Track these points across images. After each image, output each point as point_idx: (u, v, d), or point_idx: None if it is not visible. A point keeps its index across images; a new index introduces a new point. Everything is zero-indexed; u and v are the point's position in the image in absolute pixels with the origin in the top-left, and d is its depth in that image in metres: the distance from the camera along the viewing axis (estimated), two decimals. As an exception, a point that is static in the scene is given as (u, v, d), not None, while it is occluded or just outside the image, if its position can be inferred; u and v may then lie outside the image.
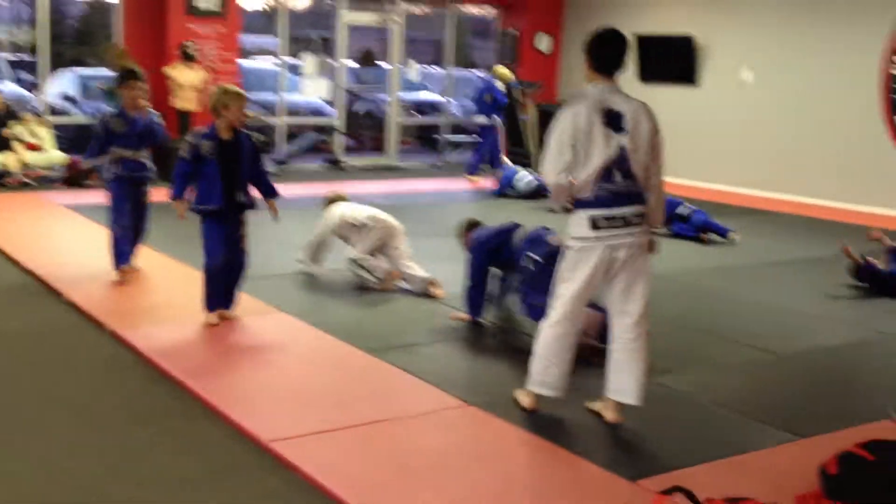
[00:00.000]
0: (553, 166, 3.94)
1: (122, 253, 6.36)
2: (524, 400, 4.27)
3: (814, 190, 11.46)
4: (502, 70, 12.87)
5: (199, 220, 5.36)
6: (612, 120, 3.93)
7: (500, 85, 12.68)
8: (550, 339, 4.09)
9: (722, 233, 8.82)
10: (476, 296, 5.61)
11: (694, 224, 8.81)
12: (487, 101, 12.64)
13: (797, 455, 3.91)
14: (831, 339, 5.78)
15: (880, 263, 7.05)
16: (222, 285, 5.43)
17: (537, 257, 5.28)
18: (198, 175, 5.26)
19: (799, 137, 11.71)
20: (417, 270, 6.44)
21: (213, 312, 5.43)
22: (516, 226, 5.77)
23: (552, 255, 4.95)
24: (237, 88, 5.37)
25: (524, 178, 11.38)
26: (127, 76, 6.23)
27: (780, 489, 3.45)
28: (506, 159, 12.48)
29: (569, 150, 3.89)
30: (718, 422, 4.33)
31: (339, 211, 6.74)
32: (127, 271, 6.36)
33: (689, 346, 5.48)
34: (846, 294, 6.97)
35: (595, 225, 3.93)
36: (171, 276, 6.62)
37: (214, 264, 5.34)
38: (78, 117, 12.85)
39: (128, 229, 6.35)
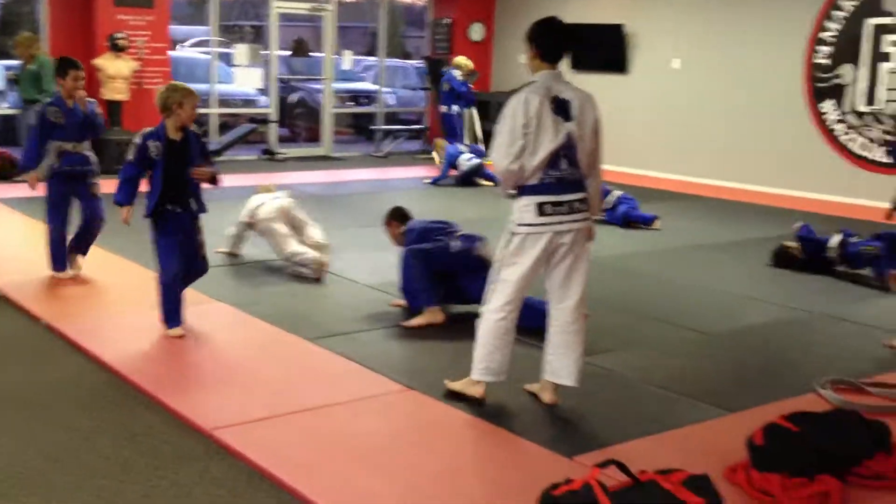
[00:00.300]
0: (504, 153, 3.98)
1: (58, 257, 6.16)
2: (473, 390, 4.24)
3: (742, 175, 11.78)
4: (460, 59, 12.85)
5: (150, 227, 5.05)
6: (560, 108, 4.01)
7: (457, 74, 12.70)
8: (493, 325, 4.13)
9: (647, 221, 9.02)
10: (413, 288, 5.60)
11: (618, 216, 9.01)
12: (445, 89, 12.70)
13: (727, 429, 4.06)
14: (757, 317, 5.98)
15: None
16: (180, 297, 5.09)
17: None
18: (144, 178, 4.98)
19: (726, 124, 12.01)
20: (311, 251, 6.52)
21: (175, 328, 5.07)
22: (447, 226, 5.84)
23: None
24: (187, 85, 5.11)
25: (468, 158, 11.49)
26: (66, 65, 5.99)
27: (711, 461, 3.59)
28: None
29: (520, 137, 3.96)
30: (652, 399, 4.47)
31: (254, 207, 6.79)
32: (62, 279, 6.15)
33: (623, 328, 5.62)
34: (772, 275, 7.21)
35: (542, 211, 4.02)
36: (108, 269, 6.55)
37: (171, 275, 5.01)
38: (2, 109, 12.55)
39: (64, 231, 6.13)
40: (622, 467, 3.13)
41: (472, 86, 12.85)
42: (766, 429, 3.60)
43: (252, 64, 14.18)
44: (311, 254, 6.49)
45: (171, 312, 5.06)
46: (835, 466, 3.48)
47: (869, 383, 4.65)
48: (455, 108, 12.66)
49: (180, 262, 5.02)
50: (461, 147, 11.79)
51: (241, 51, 14.13)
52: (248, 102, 14.80)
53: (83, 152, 6.10)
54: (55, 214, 6.10)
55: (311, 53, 17.52)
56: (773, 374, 4.96)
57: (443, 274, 5.55)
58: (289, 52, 17.15)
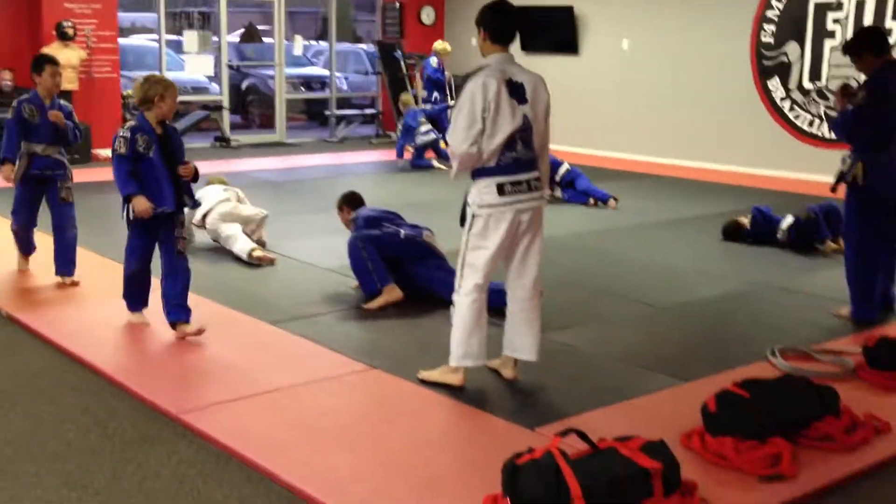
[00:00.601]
0: (463, 136, 4.02)
1: (28, 242, 6.03)
2: (451, 378, 4.24)
3: (692, 153, 11.97)
4: (437, 45, 12.77)
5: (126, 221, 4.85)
6: (515, 90, 4.08)
7: (434, 61, 12.66)
8: (466, 310, 4.17)
9: (604, 199, 9.18)
10: (365, 273, 5.60)
11: (579, 192, 9.19)
12: (425, 79, 12.72)
13: (681, 397, 4.19)
14: (709, 291, 6.14)
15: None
16: (143, 287, 5.04)
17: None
18: (136, 175, 4.73)
19: (676, 102, 12.19)
20: (249, 246, 6.59)
21: (136, 312, 5.07)
22: (393, 217, 5.93)
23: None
24: (167, 77, 4.93)
25: (425, 130, 11.52)
26: (41, 61, 5.66)
27: (667, 428, 3.70)
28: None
29: (479, 120, 4.00)
30: (608, 371, 4.59)
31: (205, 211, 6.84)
32: (24, 267, 6.08)
33: (579, 304, 5.74)
34: (721, 250, 7.38)
35: (503, 191, 4.09)
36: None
37: (130, 272, 4.95)
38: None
39: (29, 228, 5.98)
40: (582, 435, 3.23)
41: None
42: (719, 396, 3.73)
43: (202, 51, 14.07)
44: (252, 251, 6.54)
45: (130, 299, 5.07)
46: (785, 429, 3.63)
47: (817, 351, 4.81)
48: (435, 94, 12.62)
49: (141, 262, 4.93)
50: (421, 118, 11.76)
51: (190, 38, 14.00)
52: (199, 90, 14.68)
53: (54, 156, 5.77)
54: (20, 213, 5.91)
55: (261, 39, 17.42)
56: (725, 344, 5.10)
57: (391, 261, 5.61)
58: (239, 39, 17.03)
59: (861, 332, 5.15)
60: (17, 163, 5.73)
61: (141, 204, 4.69)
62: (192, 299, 4.96)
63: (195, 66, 14.28)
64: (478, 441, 3.76)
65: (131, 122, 4.80)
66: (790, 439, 3.60)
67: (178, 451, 3.63)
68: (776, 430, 3.59)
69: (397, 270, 5.62)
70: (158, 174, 4.73)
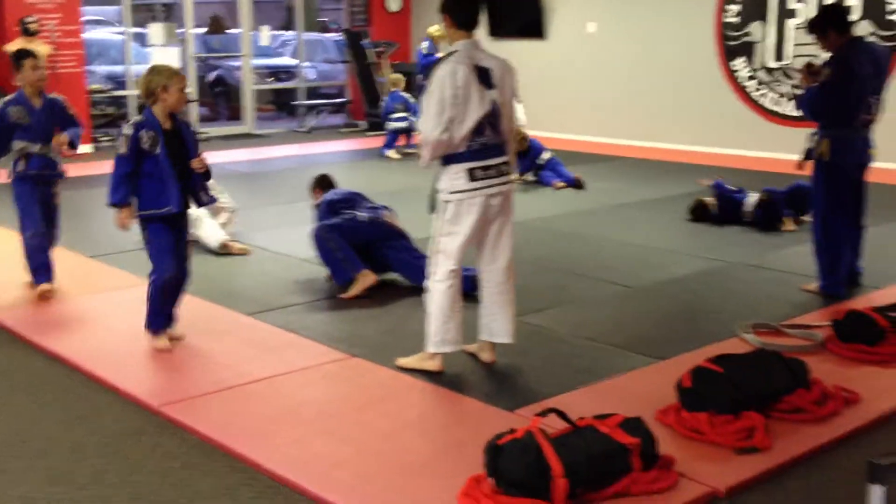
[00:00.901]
0: (434, 123, 4.05)
1: (42, 266, 5.49)
2: (429, 364, 4.28)
3: (660, 134, 12.09)
4: (430, 29, 12.65)
5: (139, 226, 4.56)
6: (483, 76, 4.12)
7: (424, 46, 12.63)
8: (442, 296, 4.21)
9: (570, 182, 9.30)
10: (335, 263, 5.63)
11: (548, 176, 9.33)
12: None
13: (656, 375, 4.27)
14: (680, 270, 6.23)
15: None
16: (170, 302, 4.67)
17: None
18: (139, 174, 4.43)
19: (643, 85, 12.27)
20: (216, 235, 6.61)
21: (161, 334, 4.65)
22: (356, 198, 5.98)
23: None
24: (170, 66, 4.61)
25: (397, 117, 11.55)
26: (20, 56, 5.39)
27: (644, 405, 3.78)
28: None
29: (450, 107, 4.04)
30: (584, 352, 4.66)
31: None
32: (48, 292, 5.46)
33: (553, 287, 5.81)
34: (691, 229, 7.48)
35: (473, 176, 4.14)
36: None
37: (167, 276, 4.53)
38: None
39: (43, 236, 5.50)
40: (561, 415, 3.30)
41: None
42: (694, 372, 3.80)
43: (168, 43, 13.95)
44: (223, 242, 6.56)
45: (159, 316, 4.64)
46: (758, 403, 3.71)
47: (788, 326, 4.91)
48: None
49: (176, 262, 4.56)
50: (396, 105, 11.77)
51: (155, 30, 13.88)
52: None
53: (50, 155, 5.47)
54: (29, 221, 5.45)
55: (227, 30, 17.30)
56: (698, 322, 5.19)
57: (362, 245, 5.65)
58: (205, 30, 16.90)
59: (829, 306, 5.25)
60: (12, 164, 5.44)
61: (119, 218, 4.46)
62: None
63: (161, 59, 14.15)
64: (458, 424, 3.82)
65: (136, 118, 4.51)
66: (763, 412, 3.69)
67: (162, 444, 3.66)
68: (749, 404, 3.68)
69: (364, 254, 5.67)
70: (163, 173, 4.42)
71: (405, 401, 4.07)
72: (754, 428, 3.55)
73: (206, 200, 4.70)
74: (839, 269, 5.51)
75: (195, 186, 4.59)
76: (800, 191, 7.20)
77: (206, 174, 4.64)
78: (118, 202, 4.44)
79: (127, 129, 4.44)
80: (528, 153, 9.36)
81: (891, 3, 10.16)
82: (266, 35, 15.35)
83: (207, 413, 3.88)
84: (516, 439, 3.12)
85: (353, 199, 5.99)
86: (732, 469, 3.34)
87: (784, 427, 3.66)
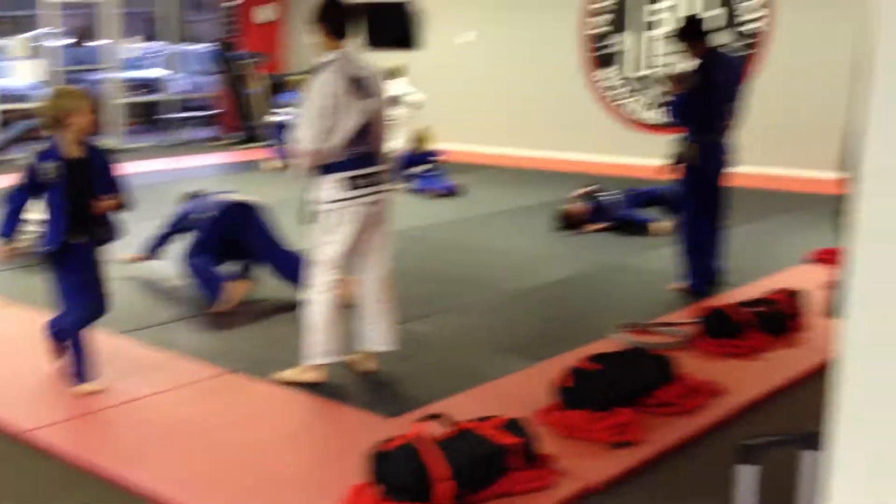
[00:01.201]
0: (310, 133, 4.05)
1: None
2: (310, 376, 4.25)
3: (532, 142, 12.37)
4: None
5: (48, 264, 4.17)
6: (359, 86, 4.14)
7: None
8: (323, 306, 4.20)
9: (449, 190, 9.47)
10: (201, 284, 5.61)
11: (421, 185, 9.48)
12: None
13: (535, 376, 4.35)
14: (556, 274, 6.38)
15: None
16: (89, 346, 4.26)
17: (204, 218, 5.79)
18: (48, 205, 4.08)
19: (516, 95, 12.56)
20: None
21: (89, 382, 4.21)
22: (203, 198, 6.11)
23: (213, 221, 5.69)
24: (76, 88, 4.24)
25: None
26: None
27: (525, 406, 3.85)
28: None
29: (325, 117, 4.04)
30: (464, 357, 4.73)
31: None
32: None
33: (431, 295, 5.86)
34: (561, 235, 7.68)
35: (352, 185, 4.15)
36: None
37: (79, 323, 4.18)
38: None
39: None
40: (443, 419, 3.34)
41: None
42: (570, 371, 3.91)
43: (30, 56, 13.42)
44: None
45: (84, 364, 4.21)
46: (630, 398, 3.85)
47: (658, 324, 5.10)
48: None
49: (90, 302, 4.20)
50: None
51: (17, 43, 13.33)
52: (21, 98, 13.97)
53: None
54: None
55: (93, 42, 16.74)
56: (573, 324, 5.33)
57: (229, 242, 5.69)
58: (70, 42, 16.30)
59: (696, 303, 5.48)
60: None
61: (5, 249, 4.08)
62: (30, 316, 4.76)
63: (22, 73, 13.61)
64: (340, 434, 3.81)
65: (39, 147, 4.08)
66: (635, 407, 3.82)
67: (27, 471, 3.51)
68: (622, 400, 3.81)
69: (232, 250, 5.65)
70: (57, 206, 4.05)
71: (286, 414, 4.03)
72: (627, 423, 3.68)
73: (104, 237, 4.25)
74: (703, 268, 5.76)
75: (96, 221, 4.17)
76: (655, 194, 7.55)
77: (121, 207, 4.26)
78: (5, 233, 4.07)
79: (29, 158, 4.07)
80: (421, 157, 9.55)
81: (740, 15, 10.69)
82: (132, 47, 14.93)
83: (78, 437, 3.75)
84: (399, 446, 3.14)
85: (199, 201, 6.04)
86: (609, 463, 3.45)
87: (656, 421, 3.80)
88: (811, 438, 2.12)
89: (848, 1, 8.89)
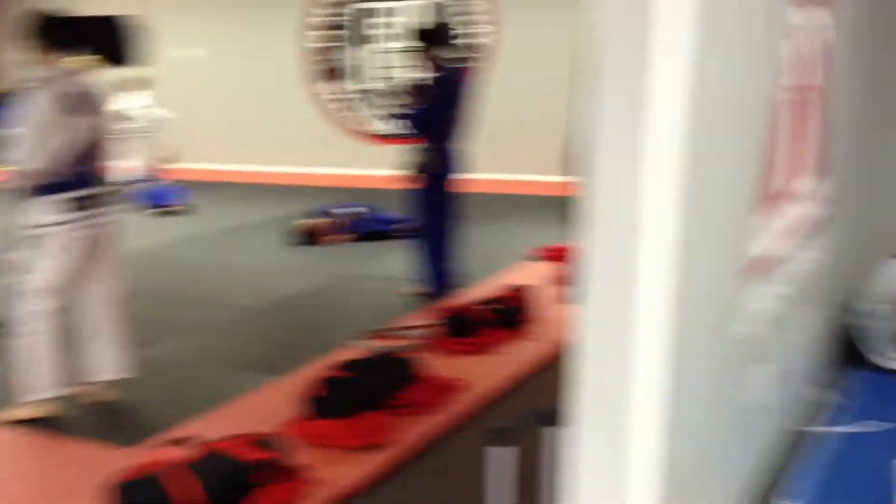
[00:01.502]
0: (27, 152, 3.79)
1: None
2: (39, 411, 3.97)
3: (260, 158, 12.28)
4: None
5: None
6: (76, 103, 3.92)
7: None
8: (43, 337, 3.93)
9: (175, 205, 9.22)
10: None
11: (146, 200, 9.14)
12: None
13: (281, 390, 4.28)
14: (293, 287, 6.35)
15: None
16: None
17: None
18: None
19: (243, 110, 12.43)
20: None
21: None
22: None
23: None
24: None
25: None
26: None
27: (272, 420, 3.79)
28: None
29: (41, 135, 3.79)
30: (208, 377, 4.59)
31: None
32: None
33: (167, 316, 5.63)
34: (295, 248, 7.66)
35: (69, 207, 3.90)
36: None
37: None
38: None
39: None
40: (187, 442, 3.21)
41: None
42: (321, 381, 3.90)
43: None
44: None
45: None
46: (377, 402, 3.90)
47: (400, 328, 5.20)
48: None
49: None
50: None
51: None
52: None
53: None
54: None
55: None
56: (312, 336, 5.33)
57: None
58: None
59: (434, 306, 5.64)
60: None
61: None
62: None
63: None
64: (68, 469, 3.56)
65: None
66: (382, 410, 3.87)
67: None
68: (370, 404, 3.85)
69: None
70: None
71: (13, 455, 3.72)
72: (377, 427, 3.72)
73: None
74: (441, 272, 5.96)
75: None
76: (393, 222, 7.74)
77: None
78: None
79: None
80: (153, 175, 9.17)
81: (468, 31, 11.20)
82: None
83: None
84: (139, 476, 2.99)
85: None
86: (360, 468, 3.47)
87: (404, 421, 3.87)
88: (551, 415, 2.24)
89: (566, 19, 9.50)
